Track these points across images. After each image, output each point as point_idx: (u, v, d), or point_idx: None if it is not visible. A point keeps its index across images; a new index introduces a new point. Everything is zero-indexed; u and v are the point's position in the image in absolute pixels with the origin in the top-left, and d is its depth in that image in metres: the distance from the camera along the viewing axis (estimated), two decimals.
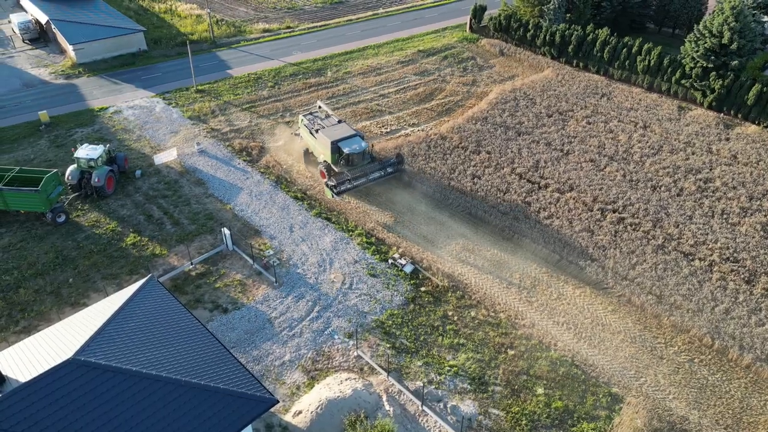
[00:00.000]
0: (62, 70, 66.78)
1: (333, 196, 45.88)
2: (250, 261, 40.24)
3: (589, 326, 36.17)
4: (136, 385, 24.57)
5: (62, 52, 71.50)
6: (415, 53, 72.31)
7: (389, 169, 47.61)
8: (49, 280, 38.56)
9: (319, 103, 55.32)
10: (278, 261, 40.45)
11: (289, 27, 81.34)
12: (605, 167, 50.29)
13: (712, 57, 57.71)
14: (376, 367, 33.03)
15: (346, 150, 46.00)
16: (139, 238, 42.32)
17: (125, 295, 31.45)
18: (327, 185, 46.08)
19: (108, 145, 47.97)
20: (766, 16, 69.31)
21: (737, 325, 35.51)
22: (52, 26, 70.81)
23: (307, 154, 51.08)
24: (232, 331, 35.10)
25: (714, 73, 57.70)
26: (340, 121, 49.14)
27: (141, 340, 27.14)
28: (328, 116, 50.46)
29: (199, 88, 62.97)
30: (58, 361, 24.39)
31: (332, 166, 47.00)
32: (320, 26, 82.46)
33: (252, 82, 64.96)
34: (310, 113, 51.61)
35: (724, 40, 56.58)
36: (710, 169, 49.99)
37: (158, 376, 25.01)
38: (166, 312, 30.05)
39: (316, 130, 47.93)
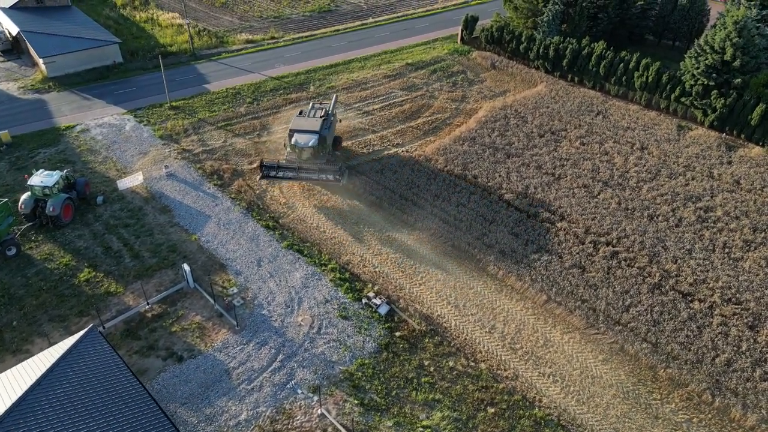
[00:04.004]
0: (32, 85, 63.72)
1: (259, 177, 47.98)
2: (212, 301, 37.12)
3: (577, 379, 32.99)
4: None
5: (34, 64, 68.48)
6: (403, 66, 69.22)
7: (322, 176, 46.93)
8: None
9: (336, 95, 55.52)
10: (242, 301, 37.31)
11: (273, 38, 78.25)
12: (599, 194, 47.13)
13: (714, 74, 54.53)
14: (340, 428, 29.86)
15: (292, 140, 47.07)
16: (94, 273, 39.20)
17: (63, 348, 28.49)
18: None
19: (66, 170, 44.86)
20: None
21: (740, 380, 32.31)
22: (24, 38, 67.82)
23: None
24: (186, 384, 31.94)
25: (716, 91, 54.56)
26: (323, 116, 49.10)
27: (67, 412, 24.10)
28: (325, 108, 51.01)
29: (173, 104, 59.86)
30: None
31: (287, 150, 48.25)
32: (306, 37, 79.39)
33: (230, 98, 61.86)
34: (320, 102, 54.34)
35: (727, 57, 53.44)
36: (711, 197, 46.80)
37: None
38: (102, 373, 27.00)
39: (299, 114, 50.33)
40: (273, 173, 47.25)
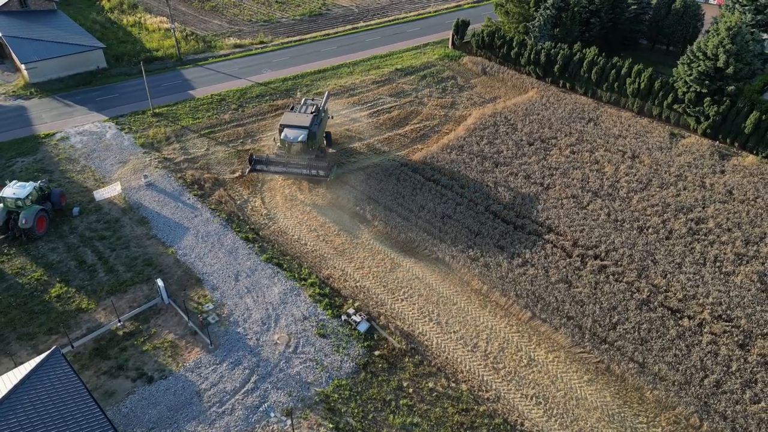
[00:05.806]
0: (13, 91, 62.57)
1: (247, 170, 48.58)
2: (186, 318, 35.96)
3: (561, 400, 31.85)
4: None
5: (17, 70, 67.31)
6: (392, 72, 68.08)
7: (310, 171, 47.24)
8: None
9: (327, 92, 57.18)
10: (217, 318, 36.17)
11: (262, 42, 77.09)
12: (588, 204, 46.01)
13: (707, 81, 53.39)
14: None
15: (281, 135, 47.77)
16: (66, 288, 38.05)
17: (24, 371, 27.34)
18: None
19: (41, 181, 43.76)
20: (766, 34, 64.98)
21: (729, 402, 31.17)
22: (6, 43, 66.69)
23: None
24: (154, 407, 30.78)
25: (708, 98, 53.43)
26: (313, 112, 49.28)
27: None
28: (316, 104, 51.61)
29: (157, 111, 58.72)
30: None
31: (277, 145, 48.94)
32: (295, 41, 78.24)
33: (215, 105, 60.72)
34: (312, 98, 55.50)
35: (720, 64, 52.29)
36: (703, 208, 45.68)
37: None
38: (62, 400, 25.83)
39: (291, 109, 50.67)
40: (260, 167, 47.47)
